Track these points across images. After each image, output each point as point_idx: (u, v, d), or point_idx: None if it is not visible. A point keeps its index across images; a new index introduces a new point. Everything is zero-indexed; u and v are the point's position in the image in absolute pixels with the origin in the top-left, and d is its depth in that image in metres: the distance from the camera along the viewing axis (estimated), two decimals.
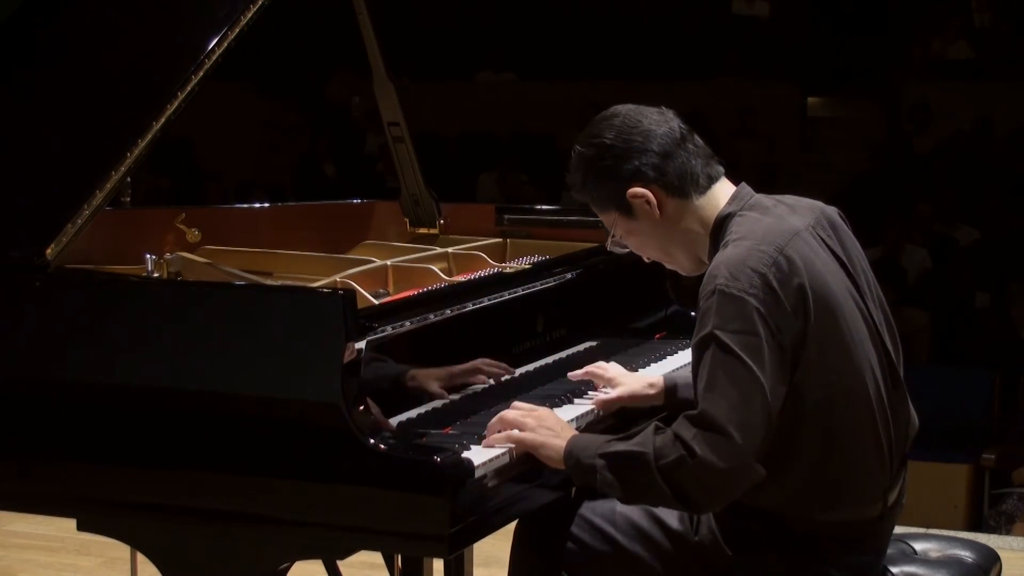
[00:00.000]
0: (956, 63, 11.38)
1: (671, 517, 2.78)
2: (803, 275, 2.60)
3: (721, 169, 2.80)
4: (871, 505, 2.71)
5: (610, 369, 3.11)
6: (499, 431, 2.70)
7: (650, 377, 3.12)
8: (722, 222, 2.74)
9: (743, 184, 2.81)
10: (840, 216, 2.83)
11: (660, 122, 2.77)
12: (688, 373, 3.06)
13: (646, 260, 2.92)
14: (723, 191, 2.78)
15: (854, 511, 2.69)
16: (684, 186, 2.75)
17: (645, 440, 2.58)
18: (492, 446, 2.66)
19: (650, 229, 2.79)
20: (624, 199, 2.76)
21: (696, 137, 2.79)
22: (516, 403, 2.79)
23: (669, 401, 3.09)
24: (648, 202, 2.75)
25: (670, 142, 2.75)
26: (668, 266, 2.90)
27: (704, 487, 2.54)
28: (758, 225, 2.68)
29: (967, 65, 11.37)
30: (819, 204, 2.83)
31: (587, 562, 2.83)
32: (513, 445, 2.67)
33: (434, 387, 2.84)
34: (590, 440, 2.68)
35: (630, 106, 2.81)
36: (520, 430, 2.69)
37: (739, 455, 2.52)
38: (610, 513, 2.82)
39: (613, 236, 2.87)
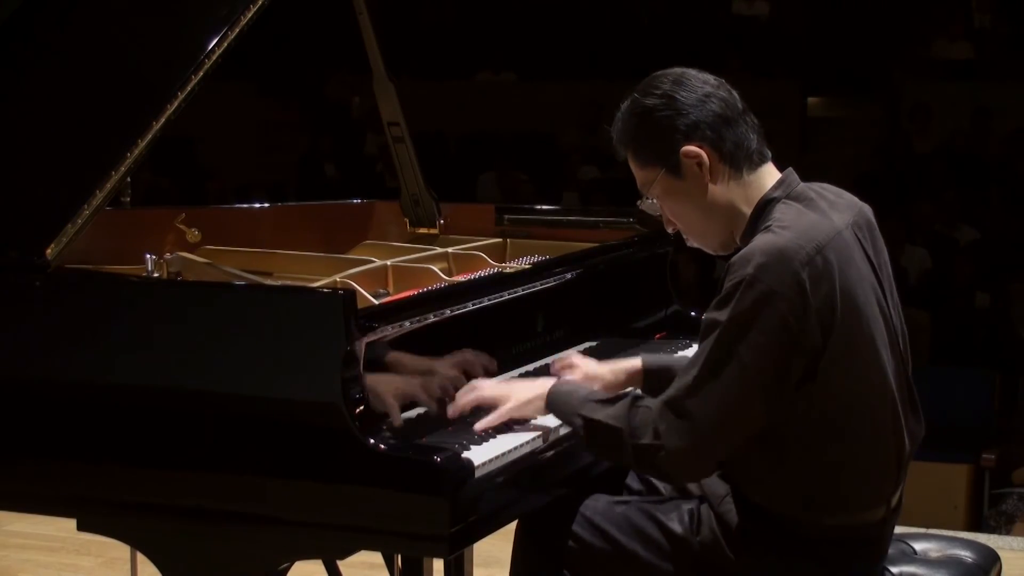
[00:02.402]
0: (956, 63, 11.39)
1: (672, 519, 2.78)
2: (835, 278, 2.57)
3: (770, 153, 2.74)
4: (876, 510, 2.71)
5: (572, 358, 3.02)
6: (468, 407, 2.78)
7: (624, 365, 3.03)
8: (766, 205, 2.68)
9: (790, 170, 2.74)
10: (873, 216, 2.79)
11: (722, 89, 2.71)
12: (669, 359, 3.08)
13: (669, 231, 2.82)
14: (770, 173, 2.72)
15: (859, 516, 2.69)
16: (738, 157, 2.68)
17: (620, 414, 2.62)
18: (486, 428, 2.73)
19: (693, 194, 2.70)
20: (675, 156, 2.67)
21: (752, 115, 2.73)
22: (475, 383, 2.83)
23: (650, 385, 3.00)
24: (700, 164, 2.66)
25: (731, 109, 2.69)
26: (692, 241, 2.80)
27: (672, 472, 2.65)
28: (802, 218, 2.62)
29: (967, 65, 11.37)
30: (857, 200, 2.79)
31: (587, 561, 2.83)
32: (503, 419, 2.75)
33: (432, 391, 2.83)
34: (570, 393, 2.74)
35: (692, 69, 2.73)
36: (499, 403, 2.76)
37: (708, 448, 2.58)
38: (610, 512, 2.82)
39: (645, 198, 2.76)
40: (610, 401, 2.68)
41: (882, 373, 2.65)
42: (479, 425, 2.74)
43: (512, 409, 2.76)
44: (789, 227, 2.60)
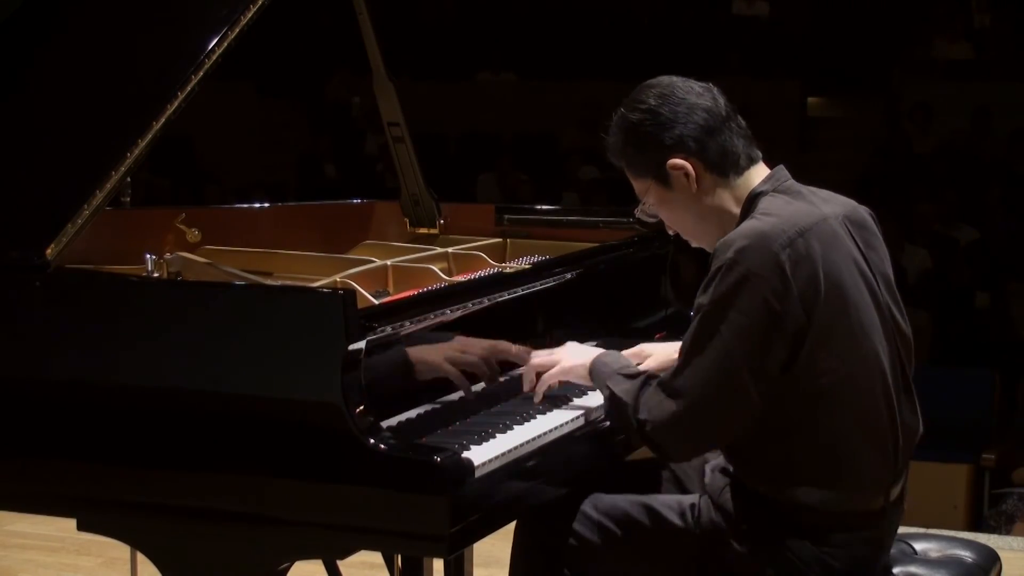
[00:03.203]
0: (956, 63, 11.40)
1: (671, 513, 2.81)
2: (818, 259, 2.63)
3: (759, 153, 2.82)
4: (872, 497, 2.73)
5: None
6: (532, 380, 2.93)
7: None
8: (754, 199, 2.75)
9: (780, 167, 2.82)
10: (872, 217, 2.85)
11: (707, 97, 2.78)
12: None
13: (670, 233, 2.94)
14: (759, 173, 2.80)
15: (855, 499, 2.70)
16: (724, 164, 2.76)
17: (632, 390, 2.74)
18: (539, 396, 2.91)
19: (684, 202, 2.79)
20: (663, 168, 2.76)
21: (739, 118, 2.80)
22: (535, 352, 2.99)
23: None
24: (686, 175, 2.76)
25: (715, 118, 2.76)
26: (694, 242, 2.90)
27: (662, 446, 2.72)
28: (787, 207, 2.70)
29: (967, 65, 11.38)
30: (852, 202, 2.85)
31: (587, 556, 2.85)
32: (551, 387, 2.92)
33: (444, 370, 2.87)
34: (607, 364, 2.85)
35: (678, 78, 2.82)
36: (550, 368, 2.91)
37: (694, 424, 2.66)
38: (610, 508, 2.85)
39: (643, 204, 2.87)
40: (631, 377, 2.78)
41: (872, 358, 2.69)
42: (528, 387, 2.92)
43: (558, 373, 2.90)
44: (773, 215, 2.68)
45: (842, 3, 11.95)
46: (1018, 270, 8.52)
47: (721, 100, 2.78)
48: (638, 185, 2.84)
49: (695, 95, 2.77)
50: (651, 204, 2.84)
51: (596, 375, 2.84)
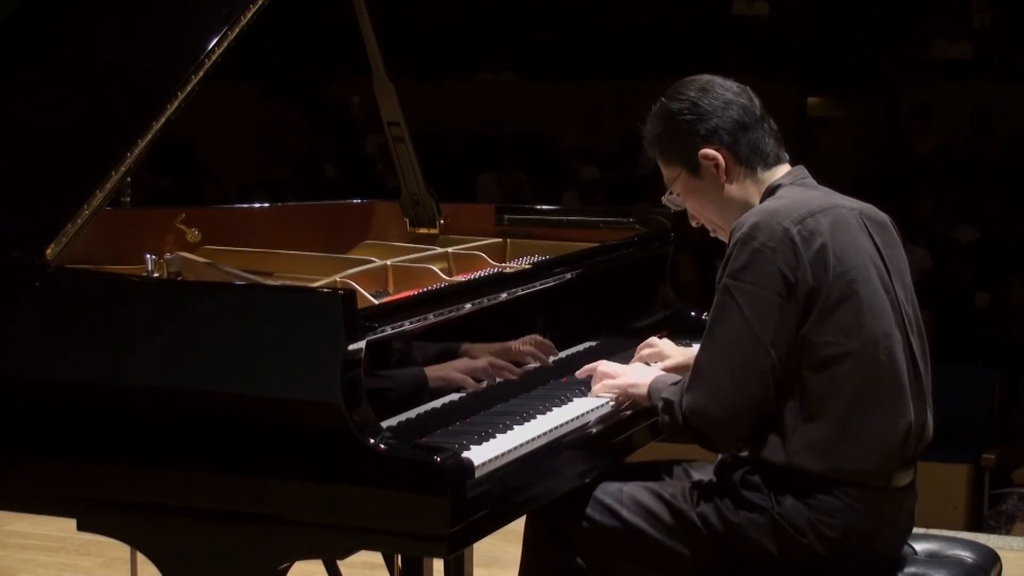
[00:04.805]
0: (956, 63, 11.38)
1: (676, 496, 2.86)
2: (827, 236, 2.74)
3: (787, 156, 2.94)
4: (874, 472, 2.75)
5: (658, 344, 3.24)
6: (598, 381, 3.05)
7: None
8: (774, 190, 2.87)
9: (801, 166, 2.95)
10: (892, 224, 2.95)
11: (743, 96, 2.92)
12: None
13: (693, 225, 3.03)
14: (784, 170, 2.92)
15: (852, 471, 2.73)
16: (752, 159, 2.89)
17: (678, 390, 2.81)
18: (597, 395, 3.03)
19: (711, 192, 2.92)
20: (694, 157, 2.89)
21: (772, 120, 2.93)
22: (603, 362, 3.10)
23: None
24: (716, 165, 2.88)
25: (749, 115, 2.90)
26: (717, 234, 2.99)
27: (703, 431, 2.76)
28: (802, 194, 2.84)
29: (967, 65, 11.36)
30: (872, 206, 2.95)
31: (597, 542, 2.91)
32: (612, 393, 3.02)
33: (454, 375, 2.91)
34: (661, 382, 2.93)
35: (718, 76, 2.95)
36: (613, 378, 3.03)
37: (724, 400, 2.71)
38: (618, 492, 2.92)
39: (670, 192, 2.99)
40: (678, 383, 2.85)
41: (881, 339, 2.74)
42: (593, 384, 3.06)
43: (623, 385, 3.00)
44: (787, 198, 2.81)
45: (842, 3, 11.95)
46: (1018, 270, 8.51)
47: (756, 101, 2.93)
48: (668, 173, 2.96)
49: (733, 93, 2.91)
50: (678, 192, 2.96)
51: (653, 392, 2.91)
